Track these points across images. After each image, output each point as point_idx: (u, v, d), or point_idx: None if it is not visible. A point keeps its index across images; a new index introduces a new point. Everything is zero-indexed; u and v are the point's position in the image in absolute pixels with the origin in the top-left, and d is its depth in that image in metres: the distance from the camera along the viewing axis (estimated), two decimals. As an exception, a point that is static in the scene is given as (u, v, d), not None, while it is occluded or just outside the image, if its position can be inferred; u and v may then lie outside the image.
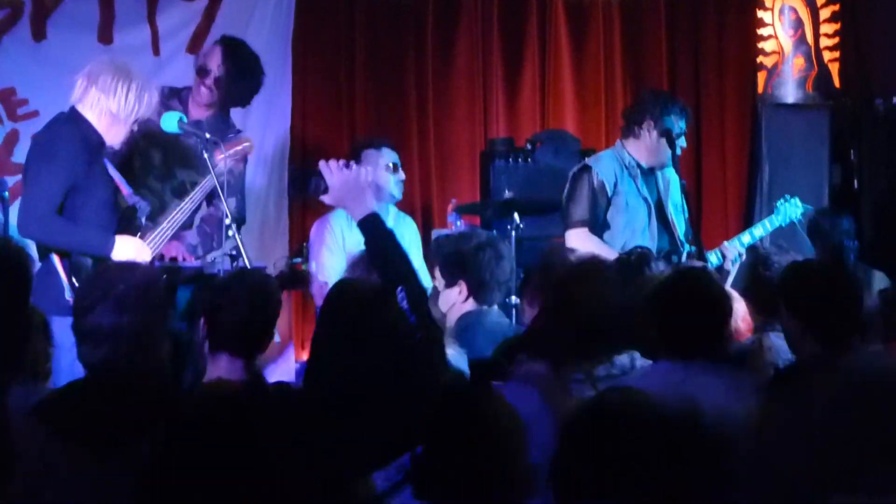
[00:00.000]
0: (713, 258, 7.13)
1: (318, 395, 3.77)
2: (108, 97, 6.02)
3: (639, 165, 7.12)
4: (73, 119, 6.03)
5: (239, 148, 6.86)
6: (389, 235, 4.37)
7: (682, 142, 7.18)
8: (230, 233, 6.17)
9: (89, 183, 5.95)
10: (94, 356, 3.83)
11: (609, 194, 7.09)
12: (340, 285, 4.29)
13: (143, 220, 6.14)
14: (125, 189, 6.17)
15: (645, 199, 7.12)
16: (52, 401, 3.79)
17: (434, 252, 5.93)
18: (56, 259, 5.86)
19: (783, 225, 7.78)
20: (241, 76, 7.23)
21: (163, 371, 4.04)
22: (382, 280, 4.22)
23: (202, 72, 7.24)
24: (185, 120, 6.53)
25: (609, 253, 6.37)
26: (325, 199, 4.61)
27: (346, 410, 3.66)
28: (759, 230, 7.63)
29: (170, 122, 6.50)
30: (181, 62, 8.58)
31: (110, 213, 6.03)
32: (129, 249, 5.92)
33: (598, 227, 7.03)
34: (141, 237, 6.07)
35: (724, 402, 3.69)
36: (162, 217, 6.23)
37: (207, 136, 6.42)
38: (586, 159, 7.40)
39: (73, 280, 5.77)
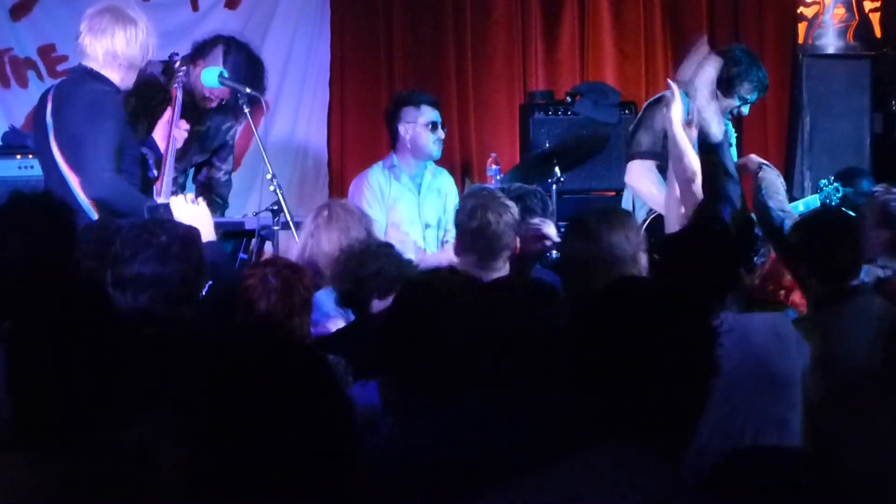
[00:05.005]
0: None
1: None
2: (124, 47, 5.90)
3: None
4: (95, 76, 5.91)
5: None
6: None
7: (745, 109, 7.11)
8: (271, 188, 6.18)
9: (126, 139, 5.92)
10: (131, 304, 3.85)
11: None
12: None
13: (153, 170, 6.14)
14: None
15: None
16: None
17: None
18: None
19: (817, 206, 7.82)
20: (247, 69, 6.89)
21: (199, 326, 4.05)
22: None
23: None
24: (226, 74, 6.52)
25: (660, 197, 6.31)
26: None
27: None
28: (801, 207, 7.65)
29: (210, 77, 6.49)
30: (219, 17, 8.59)
31: (139, 167, 6.02)
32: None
33: (666, 162, 6.53)
34: (154, 191, 6.08)
35: None
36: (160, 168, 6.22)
37: (248, 90, 6.40)
38: (665, 92, 7.22)
39: None
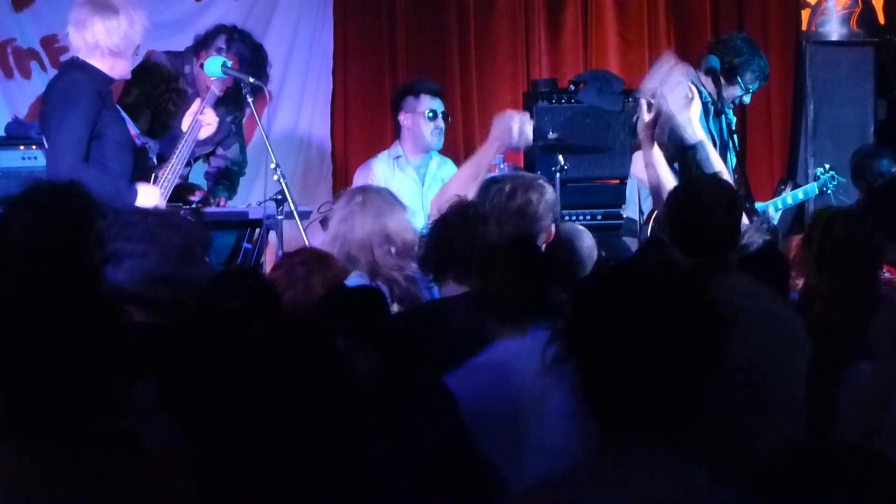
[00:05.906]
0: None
1: None
2: (104, 36, 5.93)
3: (713, 102, 6.94)
4: (80, 66, 5.97)
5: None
6: None
7: (746, 98, 7.11)
8: (275, 177, 6.18)
9: (107, 127, 5.93)
10: (110, 278, 3.95)
11: None
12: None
13: (154, 159, 6.16)
14: (133, 130, 6.17)
15: (713, 137, 6.90)
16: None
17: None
18: None
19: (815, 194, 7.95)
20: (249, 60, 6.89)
21: (179, 316, 4.06)
22: None
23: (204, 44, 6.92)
24: (229, 64, 6.51)
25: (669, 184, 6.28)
26: None
27: None
28: (800, 195, 7.74)
29: (213, 67, 6.48)
30: (221, 6, 8.57)
31: (129, 155, 6.01)
32: (149, 198, 5.90)
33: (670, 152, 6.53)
34: (155, 177, 6.08)
35: None
36: (169, 156, 6.24)
37: (251, 80, 6.40)
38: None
39: None
